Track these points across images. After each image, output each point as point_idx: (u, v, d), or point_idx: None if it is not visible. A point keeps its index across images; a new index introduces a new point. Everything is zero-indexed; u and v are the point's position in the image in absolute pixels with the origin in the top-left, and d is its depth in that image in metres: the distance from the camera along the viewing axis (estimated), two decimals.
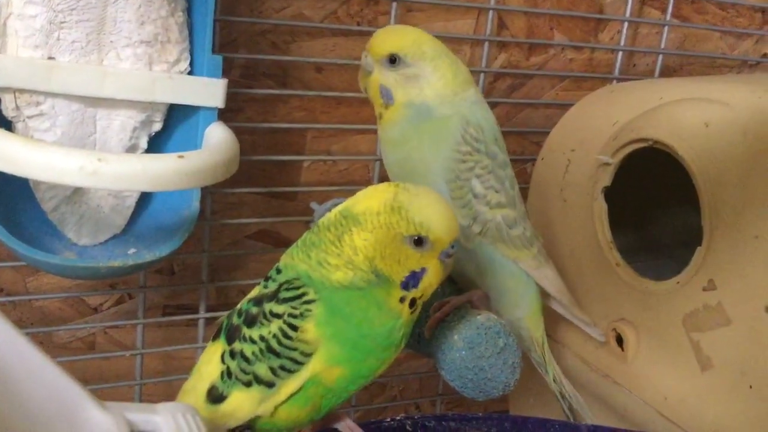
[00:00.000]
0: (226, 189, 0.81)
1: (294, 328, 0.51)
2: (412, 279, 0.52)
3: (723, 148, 0.65)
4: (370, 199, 0.53)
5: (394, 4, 0.84)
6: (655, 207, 0.93)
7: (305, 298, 0.52)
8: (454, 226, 0.53)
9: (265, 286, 0.55)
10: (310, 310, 0.52)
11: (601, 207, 0.76)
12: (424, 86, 0.65)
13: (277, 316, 0.52)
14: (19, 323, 0.81)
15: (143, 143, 0.71)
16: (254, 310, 0.54)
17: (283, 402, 0.53)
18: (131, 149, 0.71)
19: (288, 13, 0.82)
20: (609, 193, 0.76)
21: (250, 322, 0.53)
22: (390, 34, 0.67)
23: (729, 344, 0.63)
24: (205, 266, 0.84)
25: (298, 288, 0.52)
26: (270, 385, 0.52)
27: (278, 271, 0.55)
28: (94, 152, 0.59)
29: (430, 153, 0.65)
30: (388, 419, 0.62)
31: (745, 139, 0.65)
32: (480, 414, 0.66)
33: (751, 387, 0.61)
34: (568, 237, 0.81)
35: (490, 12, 0.88)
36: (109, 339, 0.86)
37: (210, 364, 0.55)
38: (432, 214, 0.52)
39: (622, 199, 0.77)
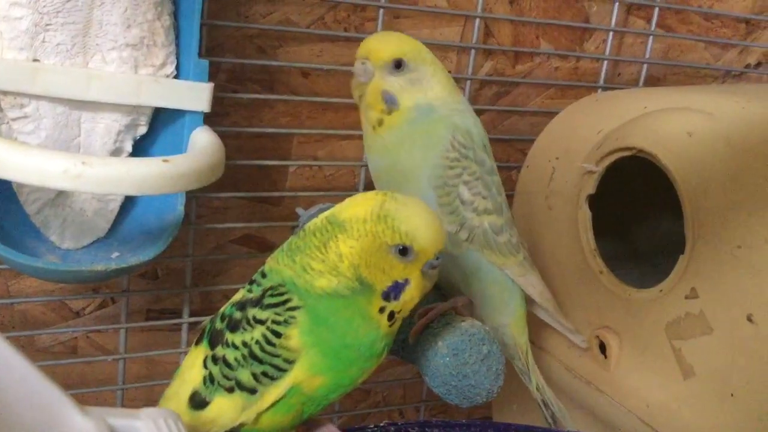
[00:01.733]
0: (211, 193, 0.81)
1: (277, 334, 0.51)
2: (394, 290, 0.52)
3: (706, 158, 0.65)
4: (356, 206, 0.53)
5: (381, 11, 0.84)
6: (639, 215, 0.93)
7: (289, 305, 0.52)
8: (441, 237, 0.53)
9: (250, 290, 0.54)
10: (294, 317, 0.51)
11: (585, 215, 0.76)
12: (426, 89, 0.66)
13: (261, 321, 0.52)
14: (1, 327, 0.80)
15: (128, 147, 0.71)
16: (237, 315, 0.53)
17: (266, 410, 0.53)
18: (116, 153, 0.70)
19: (275, 18, 0.82)
20: (593, 201, 0.76)
21: (233, 327, 0.53)
22: (391, 39, 0.67)
23: (711, 352, 0.63)
24: (189, 271, 0.84)
25: (282, 294, 0.52)
26: (252, 391, 0.52)
27: (263, 275, 0.55)
28: (78, 155, 0.58)
29: (418, 159, 0.65)
30: (372, 426, 0.62)
31: (728, 149, 0.65)
32: (463, 420, 0.66)
33: (732, 395, 0.62)
34: (552, 244, 0.81)
35: (477, 20, 0.89)
36: (91, 343, 0.85)
37: (192, 368, 0.55)
38: (418, 224, 0.52)
39: (606, 207, 0.77)
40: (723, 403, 0.62)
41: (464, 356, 0.61)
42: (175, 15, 0.70)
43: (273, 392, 0.52)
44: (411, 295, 0.53)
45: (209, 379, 0.53)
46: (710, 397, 0.64)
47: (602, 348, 0.75)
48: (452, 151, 0.65)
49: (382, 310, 0.52)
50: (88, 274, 0.64)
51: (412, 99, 0.65)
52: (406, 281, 0.52)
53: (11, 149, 0.56)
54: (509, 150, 0.98)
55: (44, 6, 0.62)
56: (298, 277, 0.52)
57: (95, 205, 0.71)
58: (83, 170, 0.56)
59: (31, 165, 0.56)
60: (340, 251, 0.51)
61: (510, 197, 0.87)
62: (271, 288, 0.53)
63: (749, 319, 0.60)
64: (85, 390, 0.84)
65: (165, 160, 0.60)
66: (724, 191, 0.64)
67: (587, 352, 0.76)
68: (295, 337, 0.51)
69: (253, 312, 0.53)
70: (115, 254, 0.70)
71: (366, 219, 0.51)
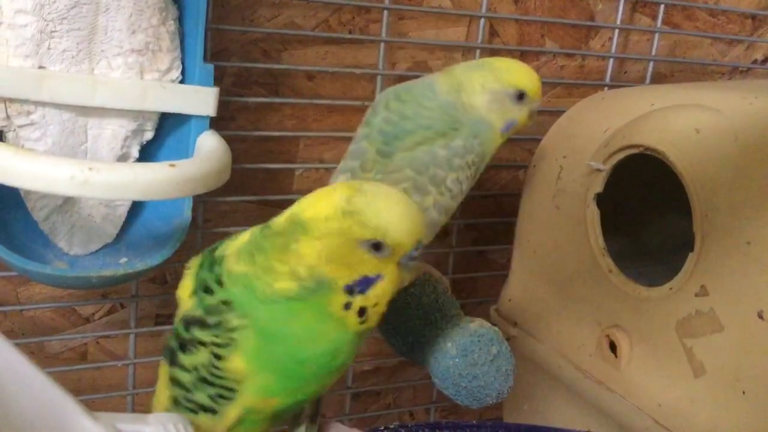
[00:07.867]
0: (218, 197, 0.81)
1: (219, 357, 0.49)
2: (361, 284, 0.48)
3: (714, 154, 0.65)
4: (320, 203, 0.49)
5: (386, 12, 0.84)
6: (648, 213, 0.93)
7: (229, 326, 0.49)
8: (417, 229, 0.49)
9: (202, 300, 0.52)
10: (234, 339, 0.49)
11: (593, 213, 0.76)
12: None
13: (204, 344, 0.50)
14: (11, 334, 0.80)
15: (135, 152, 0.71)
16: (185, 334, 0.52)
17: (234, 427, 0.52)
18: (122, 158, 0.71)
19: (280, 21, 0.82)
20: (601, 200, 0.76)
21: (183, 347, 0.52)
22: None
23: (722, 350, 0.63)
24: None
25: (221, 313, 0.50)
26: (213, 411, 0.51)
27: (219, 284, 0.51)
28: (84, 161, 0.58)
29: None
30: (382, 428, 0.62)
31: (735, 145, 0.65)
32: (474, 422, 0.66)
33: (744, 393, 0.61)
34: (560, 244, 0.81)
35: (482, 20, 0.89)
36: (101, 349, 0.86)
37: (163, 386, 0.54)
38: (390, 217, 0.48)
39: (614, 206, 0.77)
40: (735, 401, 0.62)
41: (473, 357, 0.61)
42: (180, 20, 0.70)
43: (232, 411, 0.51)
44: (383, 290, 0.49)
45: (174, 402, 0.53)
46: (722, 395, 0.63)
47: (612, 347, 0.74)
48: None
49: (347, 306, 0.48)
50: (97, 279, 0.65)
51: None
52: (378, 276, 0.49)
53: (18, 156, 0.57)
54: (515, 150, 0.98)
55: (49, 13, 0.63)
56: (257, 279, 0.49)
57: (103, 211, 0.72)
58: (90, 176, 0.56)
59: (38, 172, 0.56)
60: (300, 253, 0.48)
61: (517, 197, 0.86)
62: (213, 306, 0.50)
63: (760, 315, 0.60)
64: (96, 396, 0.84)
65: (172, 165, 0.60)
66: (733, 187, 0.64)
67: (598, 352, 0.76)
68: (237, 360, 0.49)
69: (197, 333, 0.51)
70: (123, 259, 0.71)
71: (329, 217, 0.47)
